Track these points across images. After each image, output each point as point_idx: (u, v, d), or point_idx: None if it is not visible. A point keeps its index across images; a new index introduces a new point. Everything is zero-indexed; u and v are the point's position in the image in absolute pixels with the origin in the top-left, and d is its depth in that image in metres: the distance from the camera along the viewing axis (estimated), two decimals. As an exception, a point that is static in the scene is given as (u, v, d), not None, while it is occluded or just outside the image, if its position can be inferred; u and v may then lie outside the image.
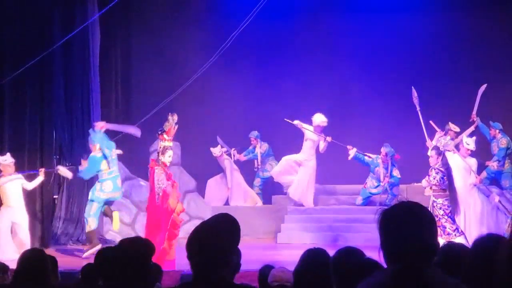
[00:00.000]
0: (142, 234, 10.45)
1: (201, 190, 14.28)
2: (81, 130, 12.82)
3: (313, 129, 13.25)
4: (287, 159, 13.54)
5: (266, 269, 4.82)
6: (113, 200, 11.40)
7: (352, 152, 13.19)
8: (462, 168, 11.06)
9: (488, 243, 2.73)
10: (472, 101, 12.70)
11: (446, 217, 9.72)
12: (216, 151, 14.11)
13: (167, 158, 9.96)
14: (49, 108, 12.67)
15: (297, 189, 13.44)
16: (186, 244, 3.01)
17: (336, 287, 3.38)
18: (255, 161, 14.49)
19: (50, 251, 10.35)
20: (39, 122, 12.62)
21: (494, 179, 12.93)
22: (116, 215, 11.11)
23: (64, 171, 11.52)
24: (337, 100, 14.34)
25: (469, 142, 11.45)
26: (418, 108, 11.35)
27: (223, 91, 14.37)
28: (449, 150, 10.82)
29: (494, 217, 11.20)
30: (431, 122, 11.71)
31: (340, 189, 14.20)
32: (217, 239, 2.87)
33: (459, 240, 9.11)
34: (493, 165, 12.84)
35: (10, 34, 12.41)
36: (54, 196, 11.83)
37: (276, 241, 12.65)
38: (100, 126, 11.24)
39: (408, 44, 14.60)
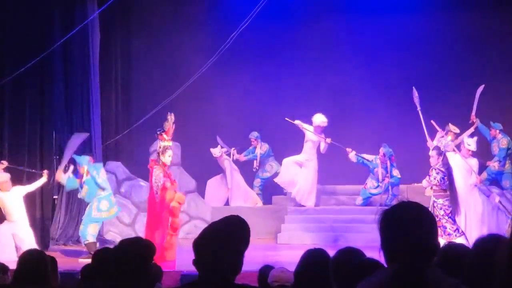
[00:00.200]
0: (142, 234, 10.45)
1: (201, 190, 14.27)
2: (81, 130, 12.80)
3: (313, 130, 13.25)
4: (287, 161, 13.53)
5: (265, 269, 4.82)
6: (111, 217, 11.44)
7: (352, 155, 13.19)
8: (463, 169, 11.06)
9: (489, 244, 2.73)
10: (472, 101, 12.70)
11: (446, 217, 9.71)
12: (216, 151, 14.11)
13: (167, 158, 9.97)
14: (49, 108, 12.67)
15: (299, 190, 13.44)
16: (194, 244, 2.99)
17: (336, 287, 3.37)
18: (254, 161, 14.49)
19: (50, 251, 10.33)
20: (39, 122, 12.63)
21: (495, 180, 12.92)
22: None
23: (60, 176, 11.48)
24: (337, 100, 14.34)
25: (470, 143, 11.45)
26: (418, 108, 11.34)
27: (223, 91, 14.36)
28: (448, 151, 10.82)
29: (494, 218, 11.20)
30: (432, 121, 11.70)
31: (340, 190, 14.19)
32: (227, 241, 2.86)
33: (459, 240, 9.10)
34: (493, 165, 12.83)
35: (10, 34, 12.42)
36: (54, 197, 11.83)
37: (276, 242, 12.65)
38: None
39: (409, 44, 14.59)
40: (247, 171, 14.48)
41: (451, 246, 3.65)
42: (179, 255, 9.92)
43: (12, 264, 5.19)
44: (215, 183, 14.43)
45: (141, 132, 13.51)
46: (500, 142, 12.81)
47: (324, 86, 14.46)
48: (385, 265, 2.49)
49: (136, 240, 3.76)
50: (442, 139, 11.33)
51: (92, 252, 10.64)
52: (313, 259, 3.69)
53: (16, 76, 11.74)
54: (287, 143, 13.88)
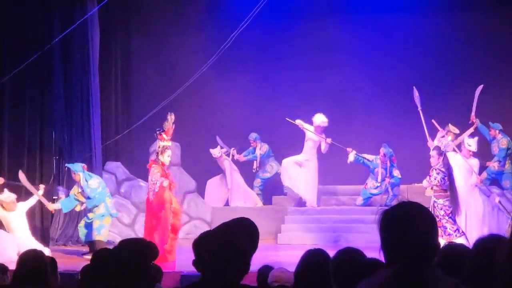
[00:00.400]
0: (142, 234, 10.45)
1: (201, 190, 14.27)
2: (80, 131, 12.82)
3: (314, 130, 13.26)
4: (286, 162, 13.52)
5: (265, 270, 4.82)
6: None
7: (352, 155, 13.19)
8: (464, 169, 11.06)
9: (489, 244, 2.72)
10: (472, 101, 12.69)
11: (447, 217, 9.70)
12: (216, 152, 14.10)
13: (166, 158, 9.96)
14: (49, 108, 12.68)
15: (304, 191, 13.44)
16: (194, 244, 2.98)
17: (336, 287, 3.37)
18: (254, 162, 14.48)
19: (49, 252, 10.32)
20: (39, 122, 12.63)
21: (495, 180, 12.92)
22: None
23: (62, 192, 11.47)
24: (337, 100, 14.33)
25: (470, 143, 11.45)
26: (419, 108, 11.33)
27: (223, 91, 14.35)
28: (448, 151, 10.82)
29: (495, 218, 11.19)
30: (433, 121, 11.70)
31: (341, 190, 14.19)
32: (228, 241, 2.85)
33: (460, 240, 9.10)
34: (493, 165, 12.83)
35: (10, 33, 12.42)
36: (54, 197, 11.82)
37: (276, 242, 12.64)
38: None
39: (409, 44, 14.59)
40: (247, 171, 14.48)
41: (451, 246, 3.65)
42: (179, 256, 9.92)
43: (12, 265, 5.18)
44: (215, 183, 14.43)
45: (141, 132, 13.50)
46: (500, 142, 12.81)
47: (324, 86, 14.46)
48: (385, 265, 2.48)
49: (136, 241, 3.75)
50: (443, 139, 11.33)
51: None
52: (313, 259, 3.69)
53: (16, 76, 11.74)
54: (287, 143, 13.88)
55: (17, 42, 12.41)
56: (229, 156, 14.40)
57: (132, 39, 15.02)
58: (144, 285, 3.49)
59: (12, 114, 12.43)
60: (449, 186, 9.76)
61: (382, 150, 13.05)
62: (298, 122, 13.26)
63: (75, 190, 11.15)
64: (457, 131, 12.47)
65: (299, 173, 13.44)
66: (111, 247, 5.99)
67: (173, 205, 9.93)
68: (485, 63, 14.17)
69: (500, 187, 12.47)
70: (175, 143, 13.43)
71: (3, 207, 10.57)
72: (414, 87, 11.62)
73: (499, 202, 11.15)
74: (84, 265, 5.15)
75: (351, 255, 3.46)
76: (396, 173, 13.07)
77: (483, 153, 12.60)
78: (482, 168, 12.52)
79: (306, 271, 3.67)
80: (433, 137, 11.48)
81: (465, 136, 12.19)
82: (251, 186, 14.39)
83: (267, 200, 14.24)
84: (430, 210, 8.73)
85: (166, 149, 9.95)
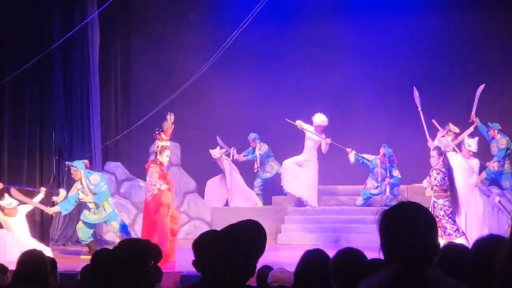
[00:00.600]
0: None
1: (201, 191, 14.27)
2: (80, 131, 12.82)
3: (314, 130, 13.26)
4: (287, 163, 13.53)
5: (264, 270, 4.81)
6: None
7: (352, 155, 13.20)
8: (464, 169, 11.06)
9: (489, 244, 2.72)
10: (473, 101, 12.69)
11: (447, 217, 9.69)
12: (216, 153, 14.10)
13: (165, 158, 9.96)
14: (49, 108, 12.67)
15: (304, 191, 13.44)
16: (194, 245, 2.98)
17: (336, 287, 3.37)
18: (255, 162, 14.48)
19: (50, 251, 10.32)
20: (39, 123, 12.63)
21: (494, 180, 12.91)
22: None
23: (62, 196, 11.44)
24: (337, 100, 14.33)
25: (470, 144, 11.45)
26: (419, 108, 11.33)
27: (222, 91, 14.36)
28: (448, 151, 10.81)
29: (495, 218, 11.19)
30: (433, 121, 11.70)
31: (341, 190, 14.18)
32: (229, 243, 2.84)
33: (460, 240, 9.09)
34: (493, 165, 12.82)
35: (10, 34, 12.41)
36: (54, 197, 11.81)
37: (276, 242, 12.64)
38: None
39: (409, 44, 14.59)
40: (247, 171, 14.48)
41: (451, 246, 3.65)
42: (179, 256, 9.91)
43: (12, 265, 5.18)
44: (215, 183, 14.42)
45: (140, 132, 13.50)
46: (499, 142, 12.80)
47: (324, 86, 14.45)
48: (385, 265, 2.48)
49: (136, 241, 3.75)
50: (443, 139, 11.33)
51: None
52: (312, 260, 3.69)
53: (16, 76, 11.74)
54: (287, 143, 13.88)
55: (17, 43, 12.40)
56: (228, 156, 14.39)
57: (132, 39, 15.03)
58: (144, 285, 3.49)
59: (12, 114, 12.43)
60: (449, 186, 9.75)
61: (382, 150, 13.05)
62: (298, 122, 13.26)
63: (73, 191, 11.15)
64: (457, 130, 12.47)
65: (299, 173, 13.44)
66: (111, 247, 5.99)
67: (171, 210, 9.90)
68: (485, 63, 14.16)
69: (499, 187, 12.47)
70: (175, 143, 13.43)
71: (3, 212, 10.56)
72: (414, 87, 11.62)
73: (499, 202, 11.14)
74: (84, 265, 5.15)
75: (351, 255, 3.46)
76: (396, 173, 13.07)
77: (483, 153, 12.60)
78: (482, 168, 12.52)
79: (306, 271, 3.67)
80: (433, 137, 11.47)
81: (465, 136, 12.19)
82: (251, 186, 14.39)
83: (267, 200, 14.24)
84: (430, 210, 8.75)
85: (164, 149, 9.95)
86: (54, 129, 12.75)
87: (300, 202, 13.63)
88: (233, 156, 14.42)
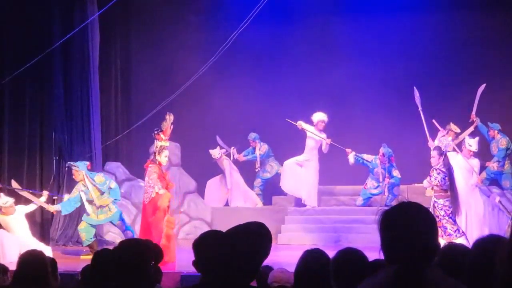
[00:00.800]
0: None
1: (201, 191, 14.27)
2: (80, 131, 12.83)
3: (314, 129, 13.27)
4: (288, 163, 13.54)
5: (264, 270, 4.81)
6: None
7: (351, 156, 13.20)
8: (464, 169, 11.06)
9: (489, 244, 2.72)
10: (473, 100, 12.70)
11: (447, 217, 9.69)
12: (215, 153, 14.09)
13: (164, 158, 9.94)
14: (49, 108, 12.68)
15: (304, 191, 13.45)
16: (194, 245, 2.97)
17: (337, 287, 3.37)
18: (255, 162, 14.47)
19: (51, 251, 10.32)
20: (39, 123, 12.63)
21: (494, 180, 12.91)
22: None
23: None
24: (338, 101, 14.32)
25: (471, 143, 11.45)
26: (420, 108, 11.33)
27: (222, 91, 14.36)
28: (449, 151, 10.81)
29: (495, 218, 11.19)
30: (433, 121, 11.71)
31: (341, 190, 14.19)
32: (237, 244, 2.84)
33: (460, 241, 9.09)
34: (493, 165, 12.83)
35: (10, 34, 12.42)
36: (54, 198, 11.82)
37: (276, 242, 12.63)
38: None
39: (409, 44, 14.59)
40: (247, 171, 14.48)
41: (451, 246, 3.65)
42: (179, 256, 9.91)
43: (12, 265, 5.18)
44: (215, 183, 14.42)
45: (140, 132, 13.50)
46: (499, 142, 12.80)
47: (324, 86, 14.46)
48: (386, 266, 2.48)
49: (136, 241, 3.75)
50: (443, 139, 11.32)
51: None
52: (312, 260, 3.69)
53: (16, 76, 11.74)
54: (288, 143, 13.88)
55: (18, 43, 12.41)
56: (228, 156, 14.39)
57: (132, 40, 15.03)
58: (144, 286, 3.49)
59: (12, 114, 12.43)
60: (449, 186, 9.75)
61: (382, 150, 13.06)
62: (299, 123, 13.27)
63: (75, 192, 11.14)
64: (458, 130, 12.48)
65: (300, 173, 13.44)
66: (111, 247, 5.99)
67: (167, 215, 9.86)
68: (485, 62, 14.17)
69: (499, 188, 12.47)
70: (175, 143, 13.44)
71: (1, 211, 10.56)
72: (414, 87, 11.62)
73: (499, 202, 11.14)
74: (85, 266, 5.14)
75: (351, 255, 3.46)
76: (396, 173, 13.07)
77: (483, 153, 12.60)
78: (482, 168, 12.52)
79: (305, 271, 3.67)
80: (433, 137, 11.47)
81: (465, 136, 12.19)
82: (251, 186, 14.39)
83: (267, 200, 14.24)
84: (430, 210, 8.74)
85: (163, 149, 9.94)
86: (54, 129, 12.75)
87: (300, 202, 13.63)
88: (233, 156, 14.42)
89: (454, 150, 11.43)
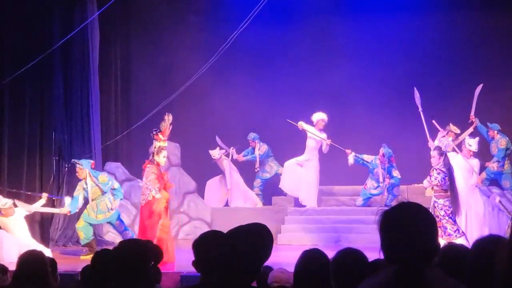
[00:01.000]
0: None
1: (201, 191, 14.27)
2: (80, 131, 12.82)
3: (315, 129, 13.28)
4: (288, 164, 13.54)
5: (264, 270, 4.81)
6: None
7: (351, 157, 13.21)
8: (464, 169, 11.07)
9: (488, 244, 2.72)
10: (472, 101, 12.70)
11: (447, 217, 9.69)
12: (215, 153, 14.08)
13: (162, 158, 9.94)
14: (49, 108, 12.67)
15: (303, 191, 13.45)
16: (194, 245, 2.97)
17: (337, 287, 3.37)
18: (255, 162, 14.47)
19: (50, 252, 10.32)
20: (39, 123, 12.62)
21: (494, 180, 12.92)
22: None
23: (68, 203, 11.37)
24: (338, 101, 14.33)
25: (471, 143, 11.46)
26: (420, 109, 11.34)
27: (222, 92, 14.36)
28: (448, 151, 10.82)
29: (495, 218, 11.19)
30: (433, 121, 11.71)
31: (340, 190, 14.19)
32: (237, 244, 2.84)
33: (460, 241, 9.09)
34: (493, 166, 12.83)
35: (10, 34, 12.42)
36: (54, 198, 11.81)
37: (276, 243, 12.62)
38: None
39: (409, 44, 14.59)
40: (247, 171, 14.47)
41: (451, 246, 3.65)
42: (178, 256, 9.91)
43: (12, 265, 5.18)
44: (215, 183, 14.42)
45: (140, 132, 13.50)
46: (499, 142, 12.81)
47: (324, 86, 14.46)
48: (386, 266, 2.48)
49: (136, 241, 3.75)
50: (443, 139, 11.33)
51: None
52: (311, 259, 3.69)
53: (16, 77, 11.74)
54: (287, 144, 13.88)
55: (18, 43, 12.40)
56: (228, 156, 14.39)
57: (131, 40, 15.03)
58: (144, 286, 3.49)
59: (12, 114, 12.42)
60: (449, 186, 9.76)
61: (382, 150, 13.07)
62: (300, 123, 13.27)
63: (78, 190, 11.13)
64: (458, 131, 12.48)
65: (300, 173, 13.44)
66: (111, 247, 5.99)
67: (162, 220, 9.84)
68: (485, 63, 14.18)
69: (499, 188, 12.47)
70: (175, 143, 13.44)
71: (1, 213, 10.55)
72: (415, 88, 11.63)
73: (500, 202, 11.15)
74: (84, 266, 5.14)
75: (351, 256, 3.46)
76: (396, 173, 13.08)
77: (483, 153, 12.61)
78: (482, 169, 12.52)
79: (304, 271, 3.67)
80: (433, 137, 11.48)
81: (465, 136, 12.20)
82: (251, 186, 14.39)
83: (267, 201, 14.23)
84: (431, 210, 8.75)
85: (162, 149, 9.93)
86: (54, 129, 12.75)
87: (300, 202, 13.63)
88: (232, 156, 14.41)
89: (454, 150, 11.44)
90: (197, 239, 3.44)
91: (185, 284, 7.57)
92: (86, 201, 11.19)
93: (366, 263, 3.44)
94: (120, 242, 3.77)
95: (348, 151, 13.26)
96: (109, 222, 11.47)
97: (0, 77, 12.14)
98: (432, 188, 10.00)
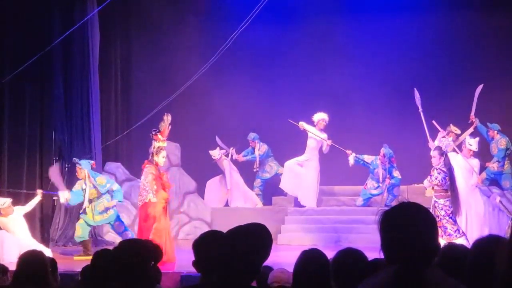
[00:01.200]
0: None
1: (201, 191, 14.26)
2: (80, 131, 12.82)
3: (315, 129, 13.28)
4: (289, 164, 13.55)
5: (264, 270, 4.81)
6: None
7: (351, 158, 13.22)
8: (464, 169, 11.07)
9: (488, 244, 2.72)
10: (472, 101, 12.70)
11: (447, 217, 9.70)
12: (215, 154, 14.08)
13: (161, 158, 9.94)
14: (49, 108, 12.67)
15: (302, 191, 13.45)
16: (194, 245, 2.96)
17: (337, 287, 3.37)
18: (254, 162, 14.47)
19: (50, 252, 10.32)
20: (39, 123, 12.63)
21: (494, 180, 12.91)
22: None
23: (63, 198, 11.31)
24: (338, 101, 14.33)
25: (471, 143, 11.46)
26: (420, 109, 11.34)
27: (222, 92, 14.36)
28: (449, 151, 10.82)
29: (495, 218, 11.20)
30: (433, 122, 11.72)
31: (341, 190, 14.19)
32: (237, 244, 2.84)
33: (460, 241, 9.09)
34: (493, 166, 12.83)
35: (10, 34, 12.42)
36: (54, 198, 11.81)
37: (276, 243, 12.62)
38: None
39: (409, 44, 14.59)
40: (247, 171, 14.47)
41: (451, 246, 3.65)
42: (179, 256, 9.91)
43: (12, 265, 5.18)
44: (215, 184, 14.42)
45: (140, 133, 13.50)
46: (499, 142, 12.81)
47: (325, 87, 14.46)
48: (386, 266, 2.48)
49: (136, 241, 3.75)
50: (444, 139, 11.34)
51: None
52: (310, 260, 3.69)
53: (16, 76, 11.74)
54: (287, 144, 13.88)
55: (18, 42, 12.40)
56: (228, 156, 14.39)
57: (132, 40, 15.03)
58: (144, 286, 3.49)
59: (12, 114, 12.43)
60: (450, 186, 9.76)
61: (382, 151, 13.07)
62: (301, 124, 13.28)
63: (77, 187, 11.12)
64: (458, 132, 12.48)
65: (300, 173, 13.45)
66: (111, 247, 5.99)
67: (156, 223, 9.83)
68: (485, 63, 14.18)
69: (499, 188, 12.47)
70: (175, 143, 13.44)
71: (0, 213, 10.55)
72: (415, 88, 11.63)
73: (500, 202, 11.15)
74: (84, 266, 5.14)
75: (351, 256, 3.46)
76: (396, 173, 13.08)
77: (483, 153, 12.61)
78: (482, 169, 12.52)
79: (304, 271, 3.67)
80: (433, 138, 11.48)
81: (466, 136, 12.20)
82: (251, 186, 14.39)
83: (267, 201, 14.23)
84: (431, 210, 8.75)
85: (161, 149, 9.93)
86: (54, 129, 12.74)
87: (299, 202, 13.63)
88: (231, 156, 14.41)
89: (454, 150, 11.44)
90: (197, 239, 3.44)
91: (185, 284, 7.57)
92: (90, 201, 11.18)
93: (366, 263, 3.44)
94: (120, 242, 3.78)
95: (348, 151, 13.27)
96: (108, 223, 11.46)
97: (0, 76, 12.14)
98: (433, 188, 10.01)
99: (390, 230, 2.43)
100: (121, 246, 3.63)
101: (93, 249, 10.44)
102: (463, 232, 9.87)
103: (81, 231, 11.08)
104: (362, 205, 13.37)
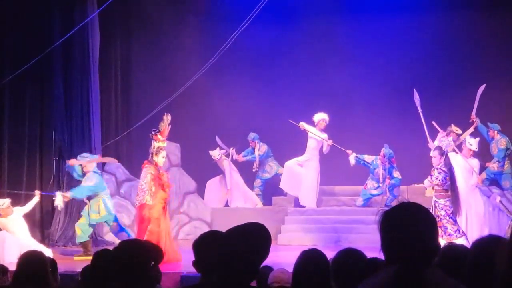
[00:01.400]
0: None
1: (201, 191, 14.26)
2: (80, 131, 12.82)
3: (316, 130, 13.28)
4: (289, 164, 13.55)
5: (264, 270, 4.81)
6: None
7: (352, 158, 13.23)
8: (464, 169, 11.07)
9: (488, 244, 2.73)
10: (473, 101, 12.70)
11: (447, 217, 9.70)
12: (215, 154, 14.09)
13: (161, 158, 9.95)
14: (49, 108, 12.68)
15: (302, 192, 13.46)
16: (194, 245, 2.96)
17: (337, 287, 3.37)
18: (254, 162, 14.47)
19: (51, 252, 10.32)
20: (39, 123, 12.63)
21: (494, 180, 12.91)
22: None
23: (59, 200, 11.26)
24: (338, 102, 14.33)
25: (471, 143, 11.47)
26: (419, 110, 11.34)
27: (222, 92, 14.36)
28: (449, 151, 10.82)
29: (496, 218, 11.20)
30: (433, 122, 11.72)
31: (341, 190, 14.19)
32: (237, 244, 2.84)
33: (460, 241, 9.09)
34: (493, 166, 12.83)
35: (10, 34, 12.42)
36: (53, 198, 11.81)
37: (276, 243, 12.62)
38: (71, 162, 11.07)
39: (409, 45, 14.59)
40: (247, 171, 14.47)
41: (451, 246, 3.65)
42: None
43: (12, 266, 5.18)
44: (215, 184, 14.42)
45: (140, 133, 13.50)
46: (499, 142, 12.81)
47: (325, 87, 14.47)
48: (386, 266, 2.48)
49: (136, 241, 3.75)
50: (444, 139, 11.34)
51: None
52: (310, 260, 3.69)
53: (16, 76, 11.74)
54: (287, 144, 13.88)
55: (18, 43, 12.41)
56: (228, 157, 14.39)
57: (132, 40, 15.02)
58: (144, 286, 3.49)
59: (12, 114, 12.43)
60: (450, 186, 9.76)
61: (383, 151, 13.07)
62: (301, 124, 13.28)
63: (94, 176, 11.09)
64: (459, 132, 12.48)
65: (300, 173, 13.45)
66: (111, 247, 5.99)
67: (150, 226, 9.82)
68: (485, 63, 14.17)
69: (499, 188, 12.46)
70: (175, 143, 13.44)
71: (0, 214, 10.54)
72: (414, 89, 11.63)
73: (500, 202, 11.15)
74: (85, 266, 5.14)
75: (351, 256, 3.46)
76: (396, 174, 13.09)
77: (483, 153, 12.61)
78: (482, 169, 12.53)
79: (303, 271, 3.67)
80: (433, 138, 11.49)
81: (466, 136, 12.20)
82: (251, 186, 14.39)
83: (267, 201, 14.23)
84: (431, 210, 8.75)
85: (160, 150, 9.93)
86: (54, 129, 12.75)
87: (299, 202, 13.64)
88: (232, 156, 14.42)
89: (453, 150, 11.44)
90: (197, 239, 3.44)
91: (185, 284, 7.57)
92: (88, 198, 11.15)
93: (366, 263, 3.44)
94: (120, 242, 3.78)
95: (349, 151, 13.27)
96: (105, 222, 11.44)
97: (0, 77, 12.14)
98: (433, 188, 10.01)
99: (390, 230, 2.43)
100: (121, 246, 3.63)
101: (93, 249, 10.43)
102: (463, 232, 9.87)
103: (81, 231, 11.07)
104: (362, 205, 13.37)
